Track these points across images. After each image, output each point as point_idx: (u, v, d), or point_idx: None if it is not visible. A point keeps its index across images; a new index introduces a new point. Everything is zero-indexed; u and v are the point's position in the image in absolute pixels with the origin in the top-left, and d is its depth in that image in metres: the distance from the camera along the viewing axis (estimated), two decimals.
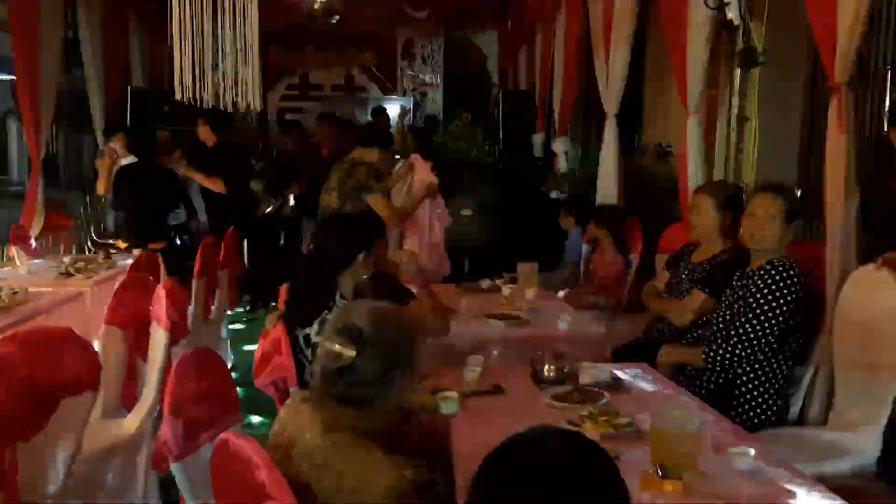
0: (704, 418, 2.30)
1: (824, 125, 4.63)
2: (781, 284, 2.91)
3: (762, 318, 2.91)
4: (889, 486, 2.47)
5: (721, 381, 3.00)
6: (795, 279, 2.92)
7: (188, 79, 3.50)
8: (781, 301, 2.90)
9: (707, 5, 4.01)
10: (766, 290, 2.92)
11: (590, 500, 1.04)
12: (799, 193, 4.98)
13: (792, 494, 1.96)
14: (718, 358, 2.98)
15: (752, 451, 2.11)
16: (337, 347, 1.79)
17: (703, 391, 3.01)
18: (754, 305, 2.93)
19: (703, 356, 3.03)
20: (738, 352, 2.95)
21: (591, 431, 2.25)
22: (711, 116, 5.26)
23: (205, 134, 6.38)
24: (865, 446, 2.68)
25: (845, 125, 2.80)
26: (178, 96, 3.67)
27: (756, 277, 2.98)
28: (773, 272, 2.93)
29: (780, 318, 2.91)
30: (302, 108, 10.20)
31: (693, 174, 4.57)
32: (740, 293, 3.07)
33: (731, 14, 4.00)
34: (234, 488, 1.67)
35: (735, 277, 3.19)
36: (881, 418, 2.62)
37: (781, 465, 2.11)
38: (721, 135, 4.68)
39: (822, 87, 4.71)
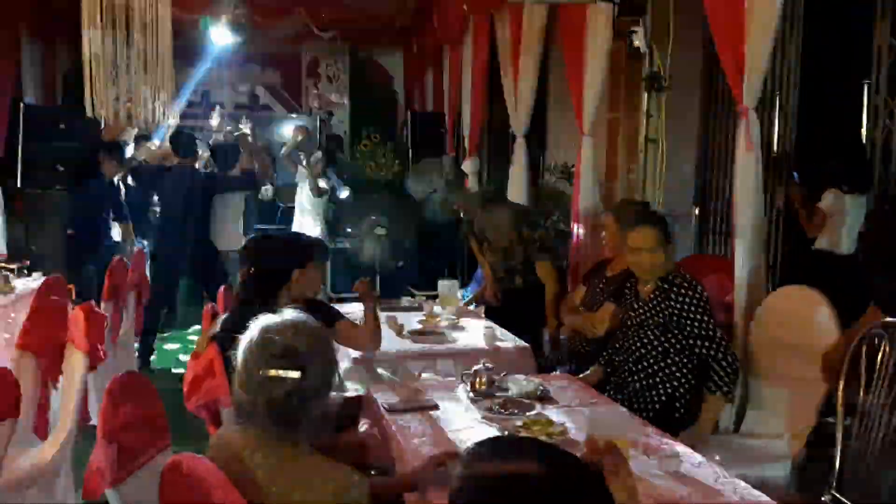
0: (633, 424, 2.42)
1: (720, 145, 5.00)
2: (699, 290, 3.01)
3: (705, 323, 2.96)
4: (803, 493, 2.67)
5: (664, 399, 3.04)
6: (697, 283, 3.04)
7: (99, 94, 3.39)
8: (704, 303, 2.99)
9: (615, 32, 4.22)
10: (689, 303, 2.98)
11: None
12: (697, 211, 5.28)
13: (719, 494, 2.08)
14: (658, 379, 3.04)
15: (680, 453, 2.24)
16: (281, 373, 1.77)
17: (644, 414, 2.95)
18: (692, 319, 2.97)
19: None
20: (674, 370, 3.02)
21: None
22: (613, 138, 5.52)
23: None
24: (785, 454, 2.86)
25: (753, 144, 3.01)
26: (88, 113, 3.55)
27: (663, 298, 3.04)
28: (684, 289, 3.00)
29: (708, 325, 2.98)
30: (202, 126, 9.98)
31: (586, 194, 4.75)
32: (646, 316, 3.11)
33: (638, 42, 4.22)
34: None
35: (627, 298, 3.27)
36: (804, 428, 2.82)
37: (707, 466, 2.24)
38: (626, 156, 4.91)
39: (716, 109, 5.02)
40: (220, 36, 7.92)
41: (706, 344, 2.95)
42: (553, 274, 4.33)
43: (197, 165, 6.67)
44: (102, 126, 6.61)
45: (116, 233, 6.46)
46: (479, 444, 1.22)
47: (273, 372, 1.76)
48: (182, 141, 6.23)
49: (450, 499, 1.15)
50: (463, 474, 1.16)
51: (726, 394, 2.94)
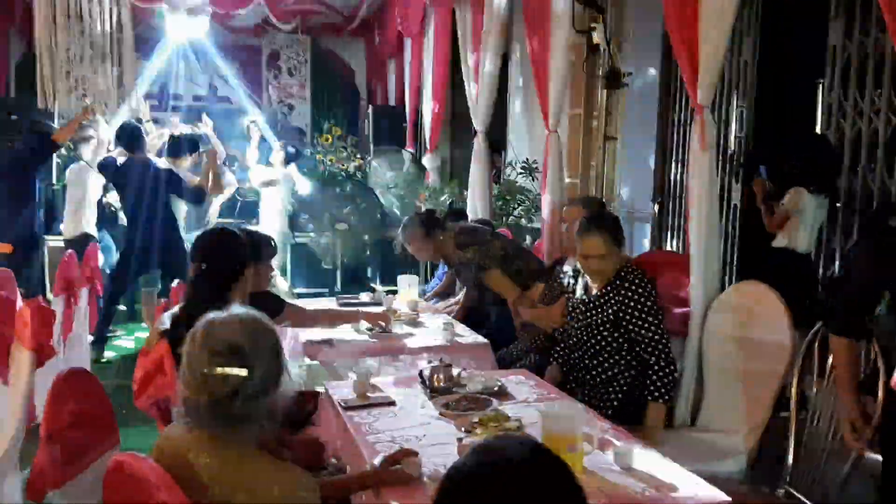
0: (588, 419, 2.42)
1: (678, 142, 5.04)
2: (648, 288, 3.03)
3: (648, 324, 2.99)
4: (755, 486, 2.69)
5: (621, 396, 3.06)
6: (648, 280, 3.06)
7: (53, 86, 3.30)
8: (651, 303, 3.01)
9: (575, 28, 4.22)
10: (637, 301, 3.01)
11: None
12: (657, 207, 5.31)
13: (673, 488, 2.09)
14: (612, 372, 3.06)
15: (634, 449, 2.25)
16: (225, 371, 1.71)
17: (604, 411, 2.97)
18: (636, 318, 2.99)
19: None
20: (633, 360, 3.04)
21: (482, 436, 2.31)
22: (573, 135, 5.52)
23: None
24: (739, 448, 2.90)
25: (707, 143, 3.04)
26: (40, 105, 3.44)
27: (614, 294, 3.05)
28: (634, 286, 3.01)
29: (650, 327, 3.00)
30: (160, 118, 9.79)
31: (553, 190, 4.76)
32: (597, 311, 3.11)
33: (598, 38, 4.23)
34: None
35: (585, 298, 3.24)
36: (759, 422, 2.86)
37: (662, 461, 2.25)
38: (586, 153, 4.93)
39: (675, 106, 5.06)
40: (178, 27, 7.76)
41: (643, 346, 2.98)
42: (504, 279, 4.25)
43: (151, 156, 6.40)
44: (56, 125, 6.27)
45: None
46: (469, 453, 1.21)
47: (216, 370, 1.69)
48: (126, 135, 5.81)
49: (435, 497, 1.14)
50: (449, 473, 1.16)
51: (659, 399, 2.93)
